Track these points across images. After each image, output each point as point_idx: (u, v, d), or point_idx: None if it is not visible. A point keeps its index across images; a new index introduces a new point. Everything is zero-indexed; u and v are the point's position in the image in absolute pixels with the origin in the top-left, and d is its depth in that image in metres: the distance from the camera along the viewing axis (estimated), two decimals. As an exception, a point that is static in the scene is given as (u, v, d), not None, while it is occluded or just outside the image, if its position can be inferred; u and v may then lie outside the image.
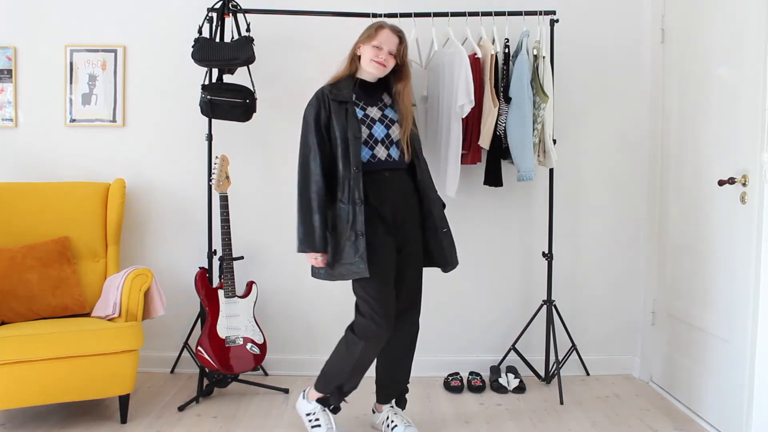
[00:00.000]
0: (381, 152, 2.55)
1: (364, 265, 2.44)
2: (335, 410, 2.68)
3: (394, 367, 2.73)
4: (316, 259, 2.53)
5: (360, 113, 2.55)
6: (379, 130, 2.55)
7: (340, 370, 2.58)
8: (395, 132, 2.59)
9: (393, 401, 2.77)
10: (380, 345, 2.55)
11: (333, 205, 2.53)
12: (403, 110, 2.60)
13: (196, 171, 3.42)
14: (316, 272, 2.59)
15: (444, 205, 2.72)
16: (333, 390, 2.63)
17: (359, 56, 2.60)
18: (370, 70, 2.57)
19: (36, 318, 2.91)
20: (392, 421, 2.70)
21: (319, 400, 2.67)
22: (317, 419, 2.64)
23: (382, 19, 2.72)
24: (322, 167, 2.51)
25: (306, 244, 2.50)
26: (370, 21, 3.12)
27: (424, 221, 2.64)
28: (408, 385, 2.78)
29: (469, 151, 3.16)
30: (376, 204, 2.52)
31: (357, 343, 2.52)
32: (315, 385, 2.66)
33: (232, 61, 3.05)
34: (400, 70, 2.62)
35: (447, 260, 2.65)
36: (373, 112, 2.58)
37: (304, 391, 2.73)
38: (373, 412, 2.81)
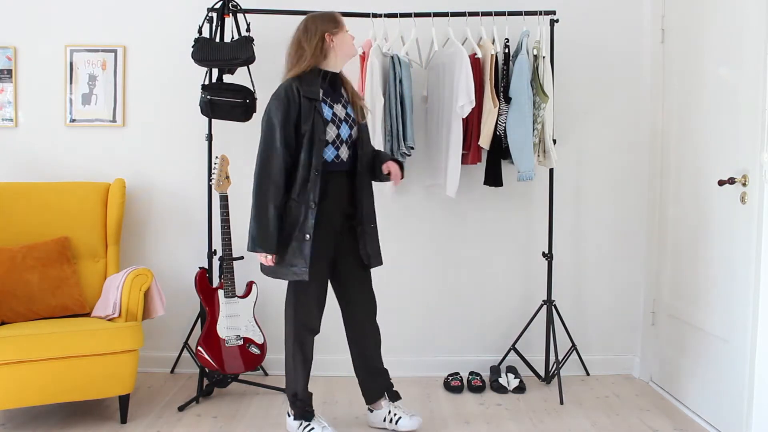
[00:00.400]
0: (344, 153, 2.55)
1: (305, 269, 2.46)
2: (309, 416, 2.67)
3: (368, 363, 2.75)
4: (266, 258, 2.50)
5: (328, 112, 2.52)
6: (345, 131, 2.55)
7: (293, 379, 2.65)
8: (355, 132, 2.60)
9: (387, 397, 2.79)
10: (311, 346, 2.64)
11: (286, 204, 2.52)
12: (354, 100, 2.62)
13: (196, 171, 3.42)
14: (263, 268, 2.61)
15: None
16: (294, 401, 2.67)
17: (326, 47, 2.51)
18: (352, 53, 2.58)
19: (36, 318, 2.91)
20: (395, 414, 2.71)
21: (298, 416, 2.67)
22: (311, 428, 2.63)
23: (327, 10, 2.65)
24: (285, 169, 2.48)
25: (259, 244, 2.47)
26: (370, 21, 3.12)
27: (353, 214, 2.64)
28: (390, 379, 2.81)
29: (469, 151, 3.16)
30: (328, 207, 2.53)
31: (295, 354, 2.60)
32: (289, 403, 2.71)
33: (232, 61, 3.05)
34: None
35: (369, 255, 2.64)
36: (339, 110, 2.56)
37: (287, 411, 2.74)
38: (370, 411, 2.81)
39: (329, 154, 2.52)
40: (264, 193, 2.48)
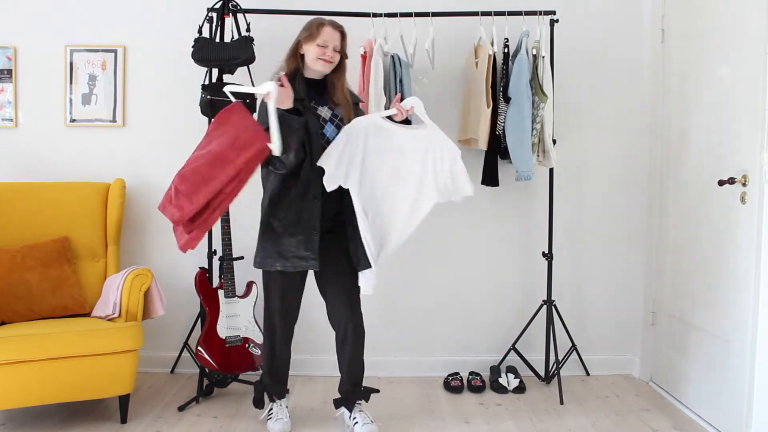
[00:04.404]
0: (330, 132, 2.57)
1: (315, 260, 2.53)
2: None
3: (348, 370, 2.73)
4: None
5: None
6: (330, 131, 2.57)
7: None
8: None
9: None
10: (286, 345, 2.76)
11: (286, 197, 2.56)
12: (339, 101, 2.61)
13: (196, 171, 3.42)
14: (258, 262, 2.67)
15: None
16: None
17: (302, 54, 2.58)
18: (317, 68, 2.56)
19: (36, 318, 2.91)
20: (354, 418, 2.71)
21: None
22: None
23: (320, 16, 2.68)
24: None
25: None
26: (370, 21, 3.12)
27: (338, 215, 2.62)
28: (360, 387, 2.77)
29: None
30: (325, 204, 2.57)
31: (270, 349, 2.77)
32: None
33: (232, 61, 3.05)
34: (337, 64, 2.61)
35: (358, 258, 2.60)
36: (324, 111, 2.59)
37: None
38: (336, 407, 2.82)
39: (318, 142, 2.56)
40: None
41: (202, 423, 2.84)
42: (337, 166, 2.47)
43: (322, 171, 2.48)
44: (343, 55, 2.61)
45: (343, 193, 2.55)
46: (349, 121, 2.57)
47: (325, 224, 2.58)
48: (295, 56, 2.60)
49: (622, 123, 3.48)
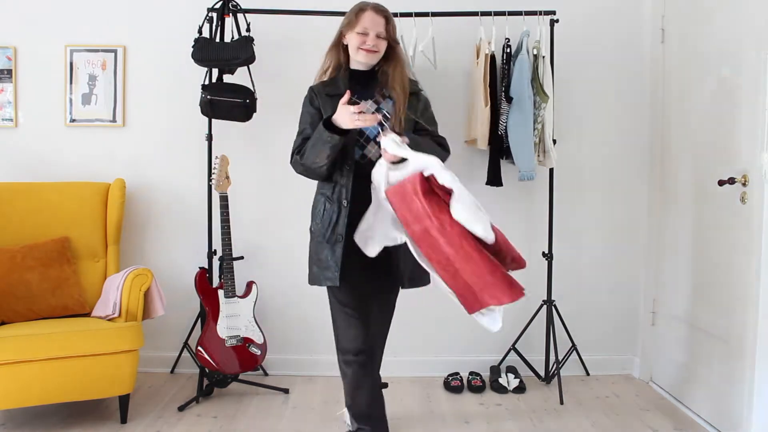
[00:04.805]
0: (373, 152, 2.32)
1: (337, 273, 2.30)
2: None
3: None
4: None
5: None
6: (370, 128, 2.30)
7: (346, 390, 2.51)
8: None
9: None
10: (366, 386, 2.43)
11: (320, 201, 2.39)
12: (392, 94, 2.35)
13: (196, 171, 3.42)
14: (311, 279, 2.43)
15: None
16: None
17: (346, 45, 2.38)
18: (360, 59, 2.34)
19: (36, 318, 2.91)
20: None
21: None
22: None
23: (363, 0, 2.40)
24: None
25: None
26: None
27: None
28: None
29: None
30: (356, 211, 2.30)
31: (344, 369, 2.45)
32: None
33: (232, 61, 3.05)
34: (387, 52, 2.37)
35: (402, 275, 2.40)
36: (366, 106, 2.34)
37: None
38: None
39: (355, 152, 2.33)
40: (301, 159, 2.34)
41: (202, 423, 2.84)
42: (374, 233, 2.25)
43: (352, 170, 2.29)
44: (391, 42, 2.36)
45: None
46: (399, 116, 2.31)
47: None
48: (337, 47, 2.40)
49: (622, 123, 3.48)
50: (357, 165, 2.32)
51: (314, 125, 2.31)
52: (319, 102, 2.36)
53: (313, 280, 2.41)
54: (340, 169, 2.32)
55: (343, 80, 2.37)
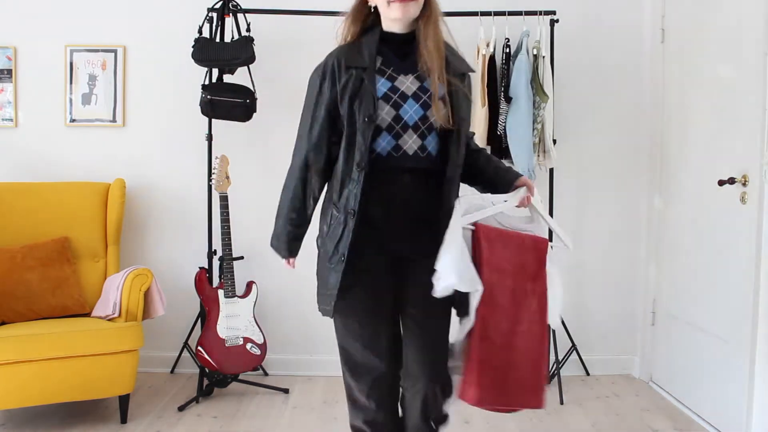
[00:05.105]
0: (410, 143, 1.76)
1: (330, 306, 1.82)
2: None
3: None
4: (285, 262, 1.98)
5: (385, 85, 1.75)
6: (411, 111, 1.75)
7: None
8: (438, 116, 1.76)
9: None
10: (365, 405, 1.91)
11: (328, 209, 1.87)
12: (426, 59, 1.75)
13: (196, 171, 3.42)
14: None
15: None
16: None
17: (372, 8, 1.82)
18: (393, 15, 1.74)
19: (36, 318, 2.91)
20: None
21: None
22: None
23: None
24: (307, 163, 1.84)
25: (273, 238, 1.96)
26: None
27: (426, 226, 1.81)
28: None
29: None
30: (377, 220, 1.78)
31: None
32: None
33: (233, 61, 3.05)
34: (423, 6, 1.78)
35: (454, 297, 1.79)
36: (406, 83, 1.77)
37: None
38: None
39: (383, 144, 1.75)
40: (285, 188, 1.91)
41: (202, 423, 2.84)
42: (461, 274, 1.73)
43: (365, 170, 1.75)
44: None
45: (431, 192, 1.80)
46: (434, 91, 1.75)
47: (399, 243, 1.81)
48: (361, 11, 1.83)
49: (622, 123, 3.48)
50: (384, 159, 1.76)
51: (317, 126, 1.81)
52: (333, 80, 1.77)
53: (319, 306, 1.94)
54: (348, 166, 1.76)
55: (369, 46, 1.78)
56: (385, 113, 1.74)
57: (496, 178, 1.93)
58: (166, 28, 3.41)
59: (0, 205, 3.10)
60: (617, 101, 3.48)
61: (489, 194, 1.89)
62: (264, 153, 3.43)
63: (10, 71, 3.42)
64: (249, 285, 3.21)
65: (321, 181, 1.87)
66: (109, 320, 2.85)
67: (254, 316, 3.15)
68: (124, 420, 2.80)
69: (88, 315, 2.99)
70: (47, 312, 2.93)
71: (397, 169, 1.77)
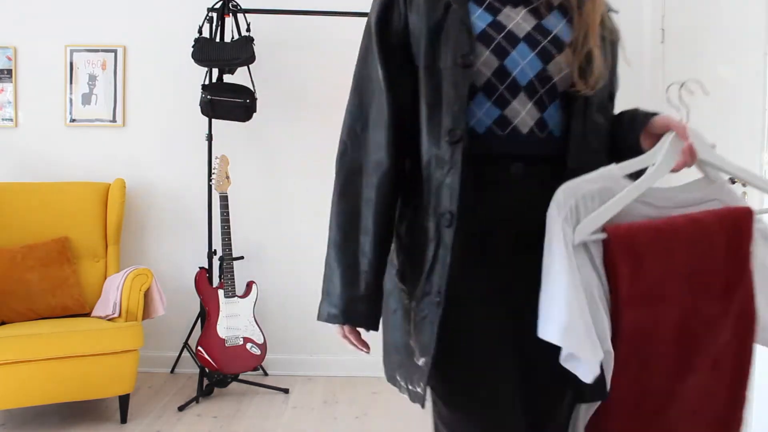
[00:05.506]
0: (524, 115, 1.13)
1: (424, 381, 1.10)
2: None
3: None
4: (339, 329, 1.23)
5: (483, 18, 1.12)
6: (523, 63, 1.12)
7: None
8: (565, 68, 1.16)
9: None
10: None
11: (404, 220, 1.21)
12: (583, 9, 1.22)
13: (196, 171, 3.42)
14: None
15: None
16: None
17: None
18: None
19: (36, 318, 2.90)
20: None
21: None
22: None
23: None
24: (391, 131, 1.14)
25: (322, 299, 1.23)
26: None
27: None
28: None
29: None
30: (482, 230, 1.12)
31: None
32: None
33: (233, 61, 3.05)
34: None
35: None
36: (516, 18, 1.14)
37: None
38: None
39: (480, 114, 1.12)
40: (347, 188, 1.18)
41: (202, 423, 2.84)
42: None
43: (462, 148, 1.07)
44: None
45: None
46: (578, 59, 1.19)
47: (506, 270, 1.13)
48: None
49: (622, 123, 3.48)
50: (483, 137, 1.12)
51: (391, 82, 1.17)
52: (403, 9, 1.22)
53: (390, 375, 1.24)
54: (434, 140, 1.11)
55: None
56: (482, 63, 1.09)
57: (617, 135, 1.31)
58: (166, 28, 3.41)
59: (0, 205, 3.10)
60: (617, 101, 3.47)
61: (614, 165, 1.18)
62: (264, 153, 3.43)
63: (10, 71, 3.42)
64: (249, 285, 3.21)
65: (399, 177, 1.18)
66: (109, 320, 2.85)
67: (254, 316, 3.15)
68: (124, 420, 2.80)
69: (88, 315, 2.99)
70: (47, 312, 2.93)
71: (502, 156, 1.12)
